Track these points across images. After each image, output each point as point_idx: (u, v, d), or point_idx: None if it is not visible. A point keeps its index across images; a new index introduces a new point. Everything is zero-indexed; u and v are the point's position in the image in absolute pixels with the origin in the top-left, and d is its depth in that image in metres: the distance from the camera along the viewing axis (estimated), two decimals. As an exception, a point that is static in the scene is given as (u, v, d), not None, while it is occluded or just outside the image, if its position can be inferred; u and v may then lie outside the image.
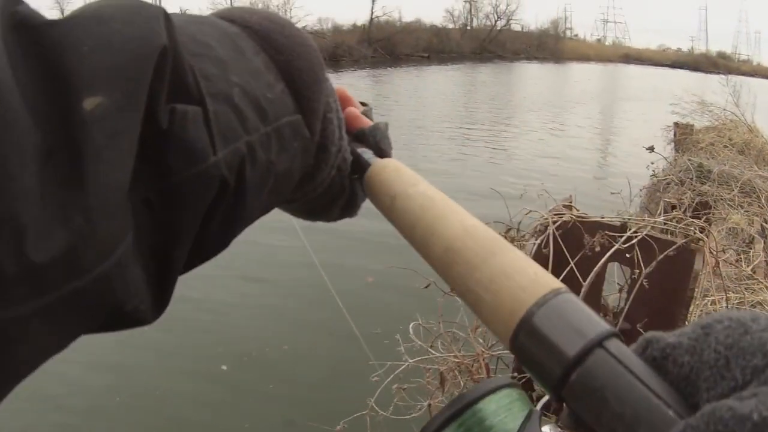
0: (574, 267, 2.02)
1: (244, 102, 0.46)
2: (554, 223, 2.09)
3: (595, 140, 16.30)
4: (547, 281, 0.39)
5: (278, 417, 4.24)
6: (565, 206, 2.22)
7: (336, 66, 35.73)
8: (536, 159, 12.72)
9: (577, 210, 2.20)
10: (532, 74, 41.14)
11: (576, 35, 75.40)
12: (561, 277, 2.04)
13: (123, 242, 0.36)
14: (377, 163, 0.62)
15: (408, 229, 0.53)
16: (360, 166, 0.64)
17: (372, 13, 47.56)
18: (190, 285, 6.18)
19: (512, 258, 0.43)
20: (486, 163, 12.34)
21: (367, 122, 0.69)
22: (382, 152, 0.67)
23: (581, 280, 2.00)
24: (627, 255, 1.97)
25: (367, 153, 0.65)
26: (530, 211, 2.29)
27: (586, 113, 21.05)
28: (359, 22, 47.34)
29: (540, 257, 2.08)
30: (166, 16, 0.40)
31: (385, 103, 20.28)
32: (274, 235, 6.14)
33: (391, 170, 0.60)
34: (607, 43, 76.98)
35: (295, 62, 0.53)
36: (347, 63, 37.64)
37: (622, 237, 2.00)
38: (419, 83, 30.03)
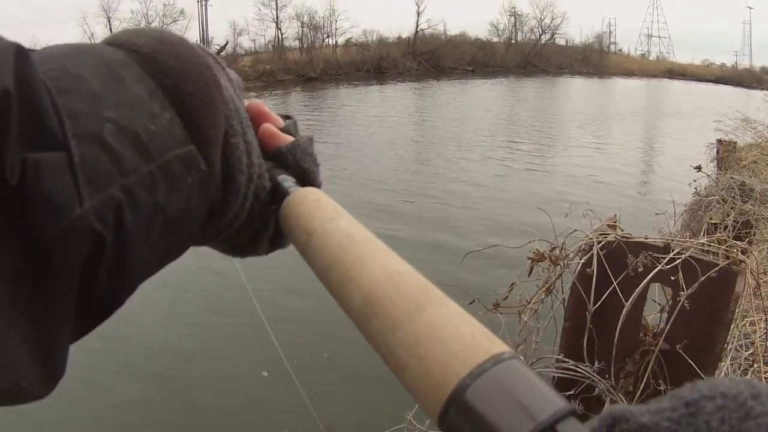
0: (617, 287, 2.05)
1: (119, 139, 0.40)
2: (599, 243, 2.11)
3: (638, 157, 16.16)
4: (485, 345, 0.33)
5: (316, 425, 4.29)
6: (609, 226, 2.24)
7: (380, 78, 35.94)
8: (579, 176, 12.67)
9: (622, 230, 2.21)
10: (576, 89, 40.84)
11: (620, 50, 74.61)
12: (603, 297, 2.08)
13: None
14: (296, 194, 0.54)
15: (324, 272, 0.46)
16: (278, 197, 0.56)
17: (417, 25, 47.90)
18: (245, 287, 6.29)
19: (444, 315, 0.36)
20: (528, 180, 12.34)
21: (286, 139, 0.61)
22: (305, 172, 0.60)
23: (623, 300, 2.03)
24: (671, 277, 1.99)
25: (287, 180, 0.58)
26: (575, 230, 2.31)
27: (630, 129, 20.91)
28: (404, 35, 47.77)
29: (584, 277, 2.11)
30: (19, 53, 0.36)
31: (429, 117, 20.33)
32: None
33: (311, 202, 0.52)
34: (651, 58, 75.94)
35: (184, 86, 0.46)
36: (392, 75, 37.83)
37: (665, 258, 2.01)
38: (463, 97, 30.06)
